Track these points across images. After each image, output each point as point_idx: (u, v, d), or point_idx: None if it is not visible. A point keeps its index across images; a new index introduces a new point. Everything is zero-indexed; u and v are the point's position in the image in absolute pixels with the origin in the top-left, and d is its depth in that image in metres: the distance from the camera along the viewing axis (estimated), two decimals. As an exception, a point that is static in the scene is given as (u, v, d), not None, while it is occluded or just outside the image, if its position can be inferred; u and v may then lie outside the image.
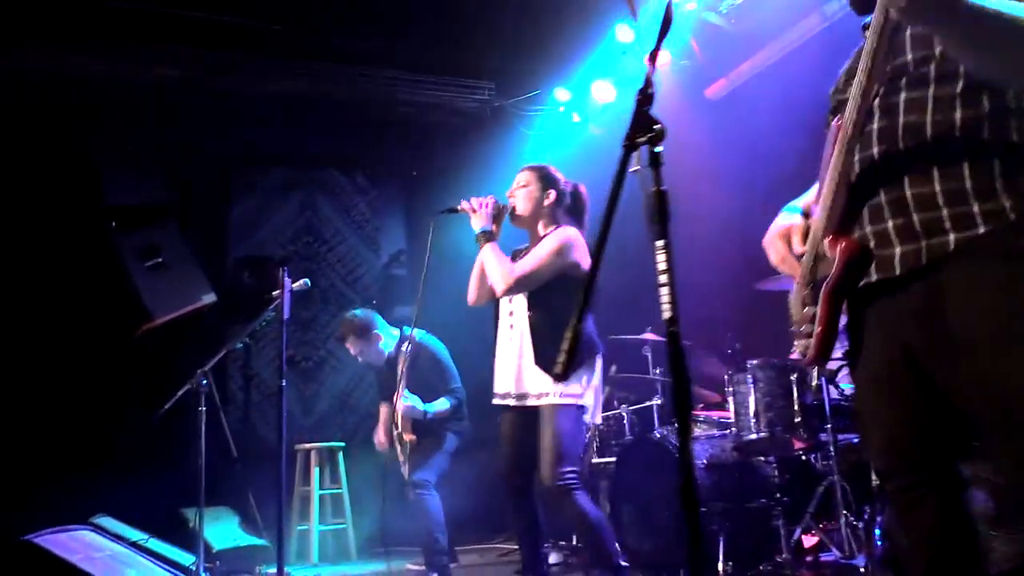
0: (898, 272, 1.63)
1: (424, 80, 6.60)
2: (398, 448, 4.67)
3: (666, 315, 1.46)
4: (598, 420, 3.71)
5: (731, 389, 3.80)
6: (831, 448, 3.50)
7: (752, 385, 3.67)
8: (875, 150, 1.67)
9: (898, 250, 1.63)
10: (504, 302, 3.28)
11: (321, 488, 5.87)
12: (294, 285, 4.38)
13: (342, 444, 6.04)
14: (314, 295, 7.24)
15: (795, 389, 3.63)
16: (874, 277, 1.67)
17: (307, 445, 5.96)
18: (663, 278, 1.47)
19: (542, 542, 3.36)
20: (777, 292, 4.04)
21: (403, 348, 4.66)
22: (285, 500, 3.86)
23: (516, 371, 3.16)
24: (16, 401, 5.53)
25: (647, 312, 5.02)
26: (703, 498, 3.64)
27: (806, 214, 1.89)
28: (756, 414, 3.64)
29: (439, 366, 4.61)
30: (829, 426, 3.50)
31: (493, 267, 3.16)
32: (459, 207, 3.29)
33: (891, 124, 1.65)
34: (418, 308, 3.40)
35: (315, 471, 5.87)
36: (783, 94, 4.74)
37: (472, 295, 3.39)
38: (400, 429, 4.61)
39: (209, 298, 5.99)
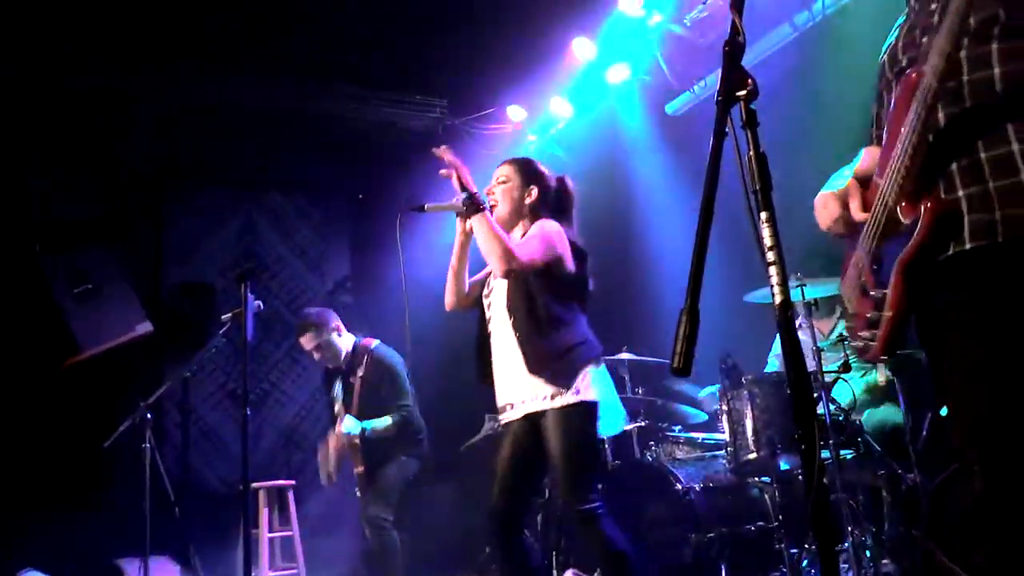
0: (1001, 238, 1.44)
1: (372, 95, 6.34)
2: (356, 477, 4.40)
3: (777, 299, 1.24)
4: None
5: (725, 407, 3.61)
6: (833, 465, 3.34)
7: (749, 402, 3.49)
8: (968, 103, 1.49)
9: (1001, 213, 1.44)
10: (490, 322, 3.02)
11: (270, 531, 5.44)
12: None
13: (292, 483, 5.63)
14: (255, 324, 6.86)
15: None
16: (968, 245, 1.47)
17: (254, 484, 5.53)
18: (771, 255, 1.25)
19: None
20: (765, 305, 3.91)
21: (357, 369, 4.46)
22: (242, 544, 3.48)
23: (509, 379, 2.91)
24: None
25: (621, 330, 4.83)
26: (700, 523, 3.43)
27: (862, 183, 1.70)
28: (755, 432, 3.45)
29: (392, 379, 4.47)
30: (831, 442, 3.34)
31: (492, 242, 2.76)
32: (426, 206, 2.97)
33: (986, 76, 1.48)
34: (407, 317, 3.08)
35: (264, 512, 5.44)
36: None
37: (450, 298, 3.08)
38: (350, 459, 4.35)
39: (144, 327, 5.54)
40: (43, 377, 5.19)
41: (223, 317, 4.16)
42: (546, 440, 2.78)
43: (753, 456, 3.43)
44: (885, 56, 1.76)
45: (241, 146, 6.46)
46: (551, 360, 2.79)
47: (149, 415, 3.89)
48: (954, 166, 1.50)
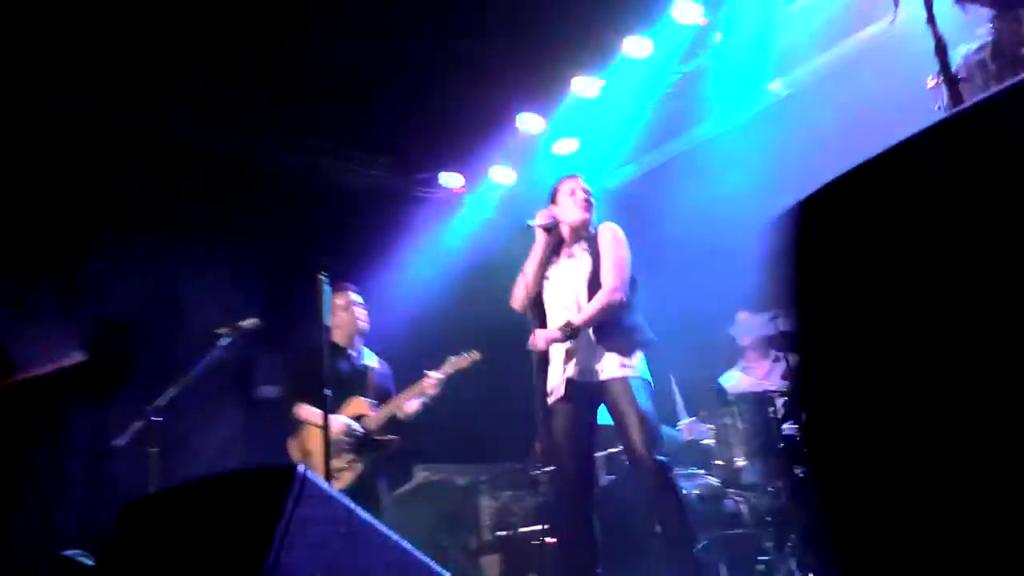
0: None
1: (316, 144, 6.49)
2: None
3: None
4: None
5: (712, 426, 4.07)
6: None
7: (737, 418, 3.97)
8: None
9: None
10: (556, 301, 3.43)
11: None
12: (245, 324, 4.16)
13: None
14: (166, 366, 6.61)
15: (774, 421, 3.98)
16: None
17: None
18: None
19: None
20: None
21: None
22: None
23: (585, 353, 3.33)
24: None
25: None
26: (700, 528, 3.81)
27: None
28: (741, 445, 3.93)
29: None
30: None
31: (604, 312, 3.36)
32: (528, 223, 3.58)
33: None
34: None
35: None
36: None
37: (521, 299, 3.55)
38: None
39: (78, 356, 5.30)
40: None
41: (221, 331, 4.21)
42: (617, 404, 3.13)
43: (741, 464, 3.89)
44: None
45: (169, 188, 6.42)
46: (622, 342, 3.21)
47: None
48: None
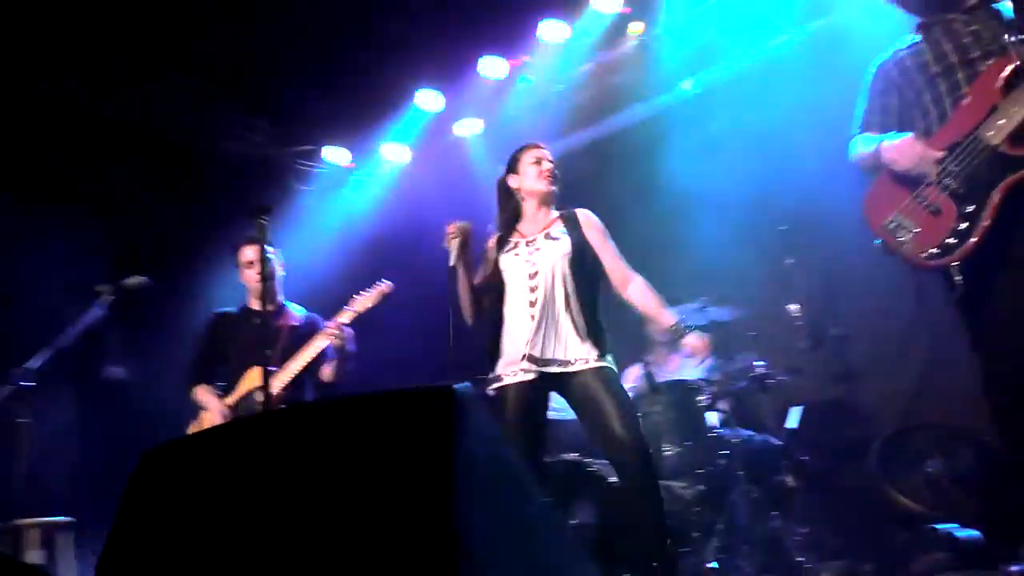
0: None
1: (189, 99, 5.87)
2: None
3: None
4: None
5: (640, 413, 3.97)
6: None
7: (667, 406, 3.89)
8: None
9: None
10: (523, 280, 3.19)
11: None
12: (130, 282, 3.68)
13: (71, 519, 4.72)
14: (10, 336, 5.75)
15: (701, 409, 3.94)
16: None
17: (25, 521, 4.55)
18: None
19: None
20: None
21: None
22: None
23: (554, 340, 3.10)
24: None
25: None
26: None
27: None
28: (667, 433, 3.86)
29: None
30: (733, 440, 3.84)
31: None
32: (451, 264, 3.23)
33: None
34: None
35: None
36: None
37: (473, 315, 3.30)
38: None
39: None
40: None
41: (103, 288, 3.69)
42: (593, 393, 2.98)
43: (669, 452, 3.81)
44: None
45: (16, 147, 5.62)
46: (598, 332, 3.11)
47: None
48: None
